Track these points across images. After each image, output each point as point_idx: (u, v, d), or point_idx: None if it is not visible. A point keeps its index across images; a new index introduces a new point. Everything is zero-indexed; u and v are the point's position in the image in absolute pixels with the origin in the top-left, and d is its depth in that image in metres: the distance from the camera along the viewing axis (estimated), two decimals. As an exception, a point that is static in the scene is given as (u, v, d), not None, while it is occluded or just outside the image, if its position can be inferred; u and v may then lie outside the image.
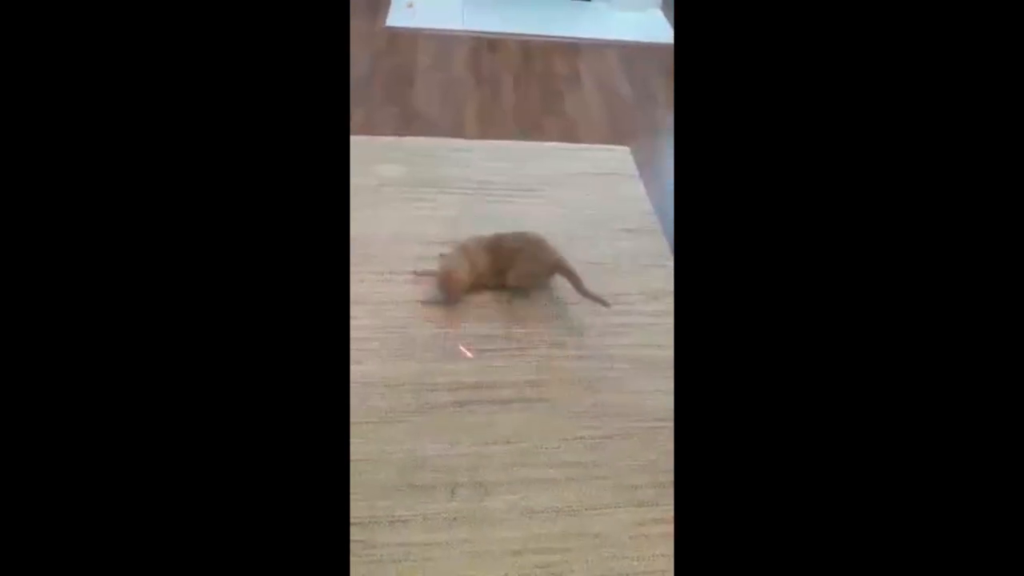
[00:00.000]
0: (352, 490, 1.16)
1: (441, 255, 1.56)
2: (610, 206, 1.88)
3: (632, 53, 2.83)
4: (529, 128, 2.23)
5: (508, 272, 1.53)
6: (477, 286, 1.53)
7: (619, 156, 2.12)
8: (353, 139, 2.02)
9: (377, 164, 1.93)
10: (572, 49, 2.80)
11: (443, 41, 2.72)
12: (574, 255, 1.60)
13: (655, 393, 1.37)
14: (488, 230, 1.63)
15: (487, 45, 2.74)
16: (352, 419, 1.26)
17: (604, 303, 1.50)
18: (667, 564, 1.11)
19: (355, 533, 1.10)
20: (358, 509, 1.13)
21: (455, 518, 1.14)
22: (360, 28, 2.72)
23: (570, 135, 2.22)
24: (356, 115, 2.17)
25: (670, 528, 1.16)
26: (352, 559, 1.07)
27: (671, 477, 1.23)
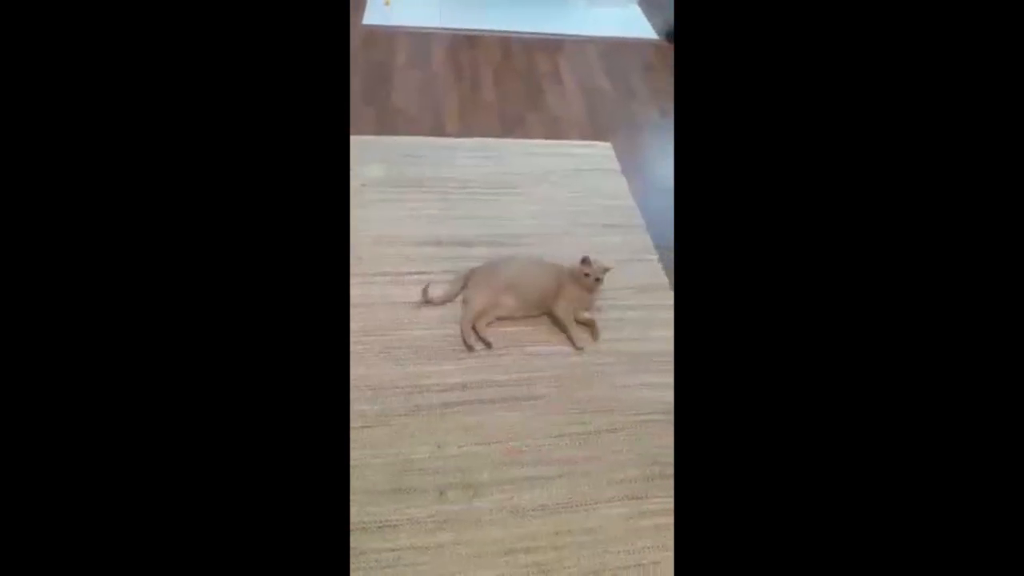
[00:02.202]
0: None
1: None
2: (593, 202, 1.88)
3: (611, 48, 2.83)
4: (511, 125, 2.22)
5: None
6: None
7: (601, 152, 2.12)
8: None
9: (358, 165, 1.91)
10: (552, 45, 2.79)
11: (421, 38, 2.70)
12: (558, 252, 1.59)
13: (642, 387, 1.37)
14: (471, 229, 1.62)
15: (466, 42, 2.72)
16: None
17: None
18: (659, 555, 1.11)
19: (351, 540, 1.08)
20: (352, 511, 1.12)
21: (445, 520, 1.13)
22: (337, 27, 2.70)
23: (552, 130, 2.21)
24: (335, 115, 2.15)
25: (661, 520, 1.16)
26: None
27: (661, 470, 1.23)
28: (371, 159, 1.94)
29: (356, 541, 1.09)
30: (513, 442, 1.26)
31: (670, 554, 1.15)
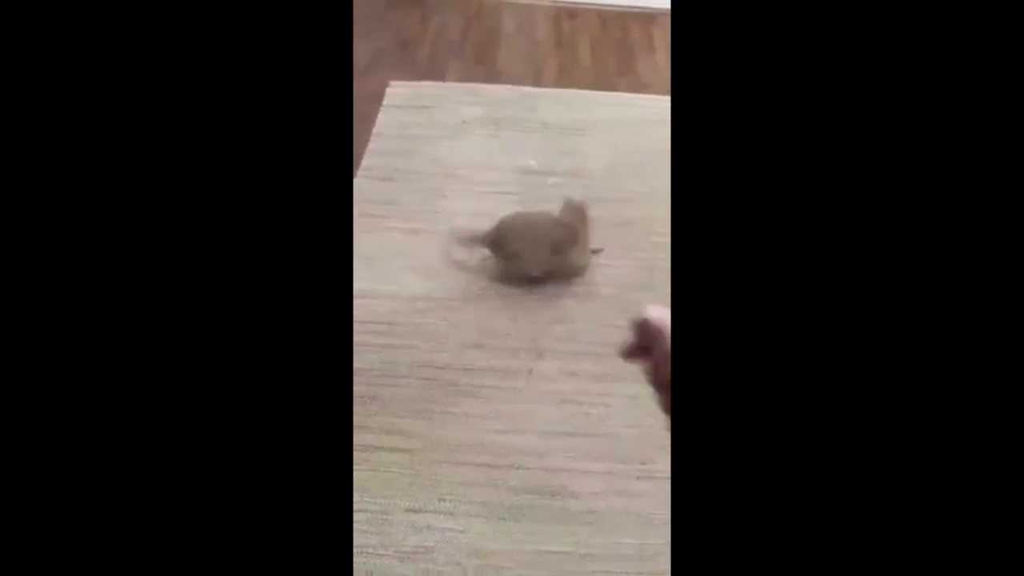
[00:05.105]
0: (441, 345, 1.52)
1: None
2: (659, 146, 2.13)
3: (703, 20, 3.01)
4: (603, 88, 2.49)
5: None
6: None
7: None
8: (445, 84, 2.43)
9: (462, 106, 2.30)
10: (647, 17, 3.02)
11: (526, 10, 3.02)
12: (619, 184, 1.89)
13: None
14: (549, 162, 1.93)
15: (567, 13, 3.01)
16: (437, 296, 1.63)
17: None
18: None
19: (446, 375, 1.45)
20: (448, 358, 1.49)
21: (517, 372, 1.47)
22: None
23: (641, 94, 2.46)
24: (451, 70, 2.53)
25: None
26: (442, 392, 1.43)
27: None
28: (472, 103, 2.32)
29: (453, 376, 1.45)
30: (574, 324, 1.58)
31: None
